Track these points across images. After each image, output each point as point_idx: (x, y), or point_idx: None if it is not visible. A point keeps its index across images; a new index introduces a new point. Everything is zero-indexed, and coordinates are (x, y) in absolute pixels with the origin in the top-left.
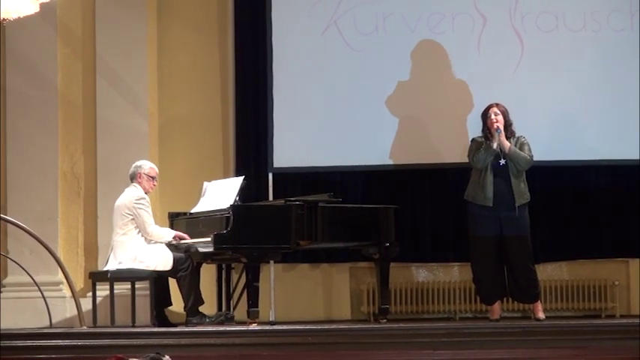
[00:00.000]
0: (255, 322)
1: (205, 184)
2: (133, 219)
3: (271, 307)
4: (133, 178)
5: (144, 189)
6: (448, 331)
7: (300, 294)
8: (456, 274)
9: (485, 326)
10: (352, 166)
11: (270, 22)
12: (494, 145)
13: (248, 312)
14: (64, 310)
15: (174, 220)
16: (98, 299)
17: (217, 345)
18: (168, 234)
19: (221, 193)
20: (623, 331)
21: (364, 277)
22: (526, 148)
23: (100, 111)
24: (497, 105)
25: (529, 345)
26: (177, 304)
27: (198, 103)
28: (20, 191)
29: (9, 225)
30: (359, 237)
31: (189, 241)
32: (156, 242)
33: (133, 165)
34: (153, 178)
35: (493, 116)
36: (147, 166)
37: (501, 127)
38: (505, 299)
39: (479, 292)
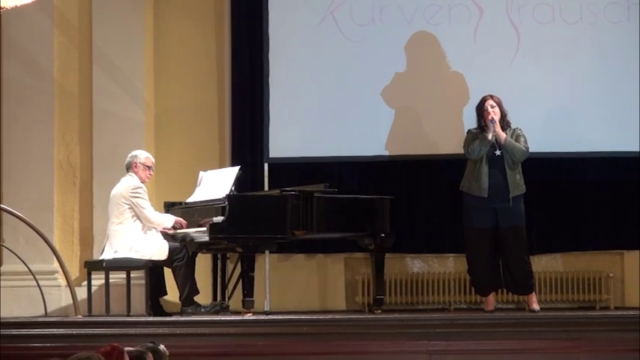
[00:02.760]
0: (250, 312)
1: (201, 173)
2: (129, 208)
3: (266, 297)
4: (129, 167)
5: (140, 179)
6: (443, 322)
7: (295, 284)
8: (450, 265)
9: (479, 317)
10: (348, 157)
11: (267, 13)
12: (490, 136)
13: (243, 302)
14: (59, 299)
15: (170, 209)
16: (93, 288)
17: (212, 335)
18: (169, 220)
19: (217, 183)
20: (617, 323)
21: (359, 267)
22: (522, 139)
23: (96, 100)
24: (491, 97)
25: (523, 336)
26: (172, 294)
27: (194, 93)
28: (16, 180)
29: (5, 214)
30: (354, 227)
31: (186, 230)
32: (158, 231)
33: (129, 155)
34: (149, 167)
35: (490, 109)
36: (143, 155)
37: (496, 119)
38: (500, 290)
39: (474, 283)
